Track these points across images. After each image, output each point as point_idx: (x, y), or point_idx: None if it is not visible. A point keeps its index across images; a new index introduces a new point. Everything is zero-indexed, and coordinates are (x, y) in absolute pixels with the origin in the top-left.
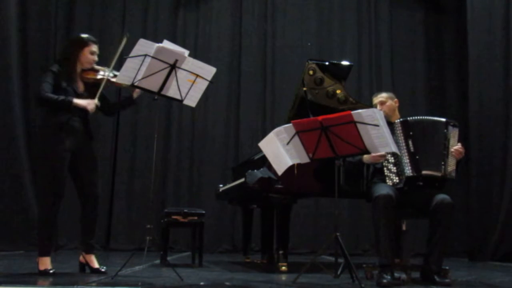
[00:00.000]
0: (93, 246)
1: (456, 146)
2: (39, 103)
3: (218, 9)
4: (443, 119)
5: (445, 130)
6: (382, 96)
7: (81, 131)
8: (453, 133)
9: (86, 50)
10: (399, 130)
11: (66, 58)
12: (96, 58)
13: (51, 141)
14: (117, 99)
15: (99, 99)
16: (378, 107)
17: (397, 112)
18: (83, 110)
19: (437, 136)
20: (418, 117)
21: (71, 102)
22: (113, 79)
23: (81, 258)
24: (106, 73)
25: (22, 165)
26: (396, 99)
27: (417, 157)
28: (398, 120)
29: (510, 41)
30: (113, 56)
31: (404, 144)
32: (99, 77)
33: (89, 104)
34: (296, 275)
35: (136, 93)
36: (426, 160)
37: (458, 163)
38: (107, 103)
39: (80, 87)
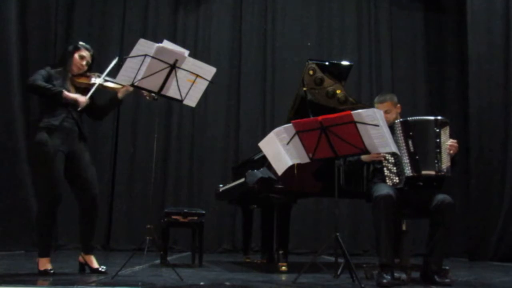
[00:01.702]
0: (92, 247)
1: (448, 142)
2: (29, 90)
3: (218, 9)
4: (432, 117)
5: (436, 129)
6: (387, 104)
7: (75, 132)
8: (444, 130)
9: (76, 54)
10: (399, 130)
11: (60, 61)
12: (83, 63)
13: (46, 142)
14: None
15: (89, 104)
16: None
17: (398, 117)
18: (73, 106)
19: (430, 135)
20: (416, 117)
21: (61, 92)
22: (105, 84)
23: (80, 258)
24: (98, 80)
25: (22, 165)
26: (398, 105)
27: (417, 157)
28: (398, 120)
29: (510, 41)
30: (107, 62)
31: (404, 144)
32: (91, 82)
33: (80, 97)
34: (296, 275)
35: (121, 92)
36: (424, 159)
37: (453, 160)
38: (96, 106)
39: (71, 90)
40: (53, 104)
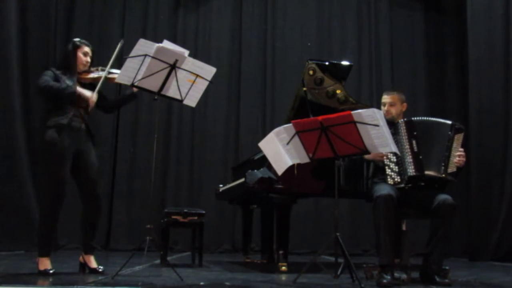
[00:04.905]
0: (93, 247)
1: (458, 153)
2: (41, 92)
3: (218, 9)
4: (449, 122)
5: (450, 133)
6: (394, 97)
7: (83, 131)
8: (457, 137)
9: (79, 52)
10: (403, 130)
11: (63, 62)
12: (88, 59)
13: (53, 142)
14: (117, 96)
15: (98, 98)
16: (386, 106)
17: (401, 116)
18: (83, 104)
19: (441, 138)
20: (423, 118)
21: (74, 91)
22: (110, 76)
23: (80, 258)
24: (103, 73)
25: (22, 165)
26: (405, 104)
27: (420, 157)
28: (402, 120)
29: (510, 41)
30: (109, 59)
31: (407, 143)
32: (96, 75)
33: (92, 96)
34: (296, 275)
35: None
36: (428, 160)
37: (459, 169)
38: (106, 101)
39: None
40: (60, 103)
